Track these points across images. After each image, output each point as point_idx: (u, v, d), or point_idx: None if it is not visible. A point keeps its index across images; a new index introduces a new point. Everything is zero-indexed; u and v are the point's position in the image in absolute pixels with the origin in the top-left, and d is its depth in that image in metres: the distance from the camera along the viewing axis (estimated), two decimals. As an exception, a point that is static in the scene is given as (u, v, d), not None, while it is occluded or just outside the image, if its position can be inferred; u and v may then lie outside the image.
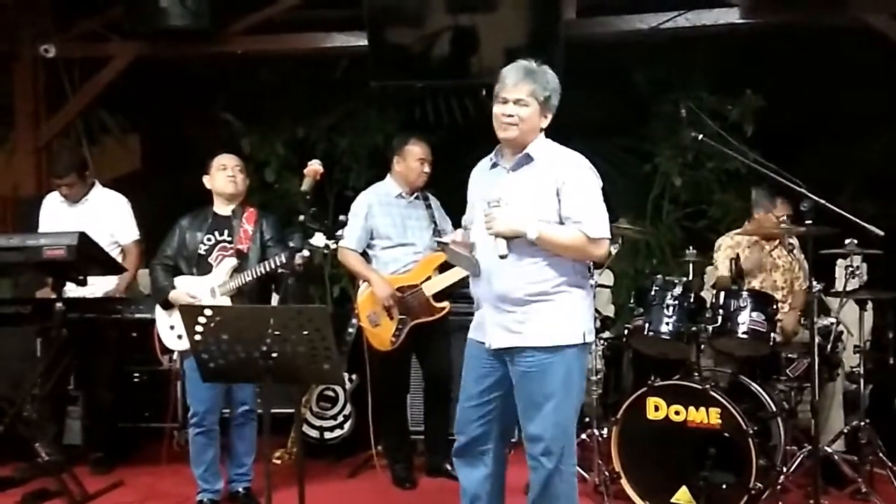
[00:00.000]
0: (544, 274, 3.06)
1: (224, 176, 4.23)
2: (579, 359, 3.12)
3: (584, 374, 3.19)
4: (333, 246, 3.40)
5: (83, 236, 4.19)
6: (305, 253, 3.45)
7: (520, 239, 3.01)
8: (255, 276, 4.06)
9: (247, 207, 4.31)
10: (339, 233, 3.42)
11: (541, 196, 3.04)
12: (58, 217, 5.01)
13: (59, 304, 4.28)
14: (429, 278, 4.47)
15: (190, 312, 3.08)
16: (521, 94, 3.03)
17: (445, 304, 4.49)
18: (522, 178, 3.09)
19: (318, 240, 3.33)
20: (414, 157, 4.59)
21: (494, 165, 3.22)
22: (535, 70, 3.07)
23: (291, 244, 3.44)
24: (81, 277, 4.42)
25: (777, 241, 4.78)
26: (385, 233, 4.54)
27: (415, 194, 4.65)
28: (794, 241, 4.73)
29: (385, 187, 4.67)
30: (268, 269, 4.02)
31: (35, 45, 5.87)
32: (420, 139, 4.70)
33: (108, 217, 4.96)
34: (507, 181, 3.12)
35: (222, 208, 4.28)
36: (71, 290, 4.45)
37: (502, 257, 2.98)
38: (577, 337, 3.09)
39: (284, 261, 3.79)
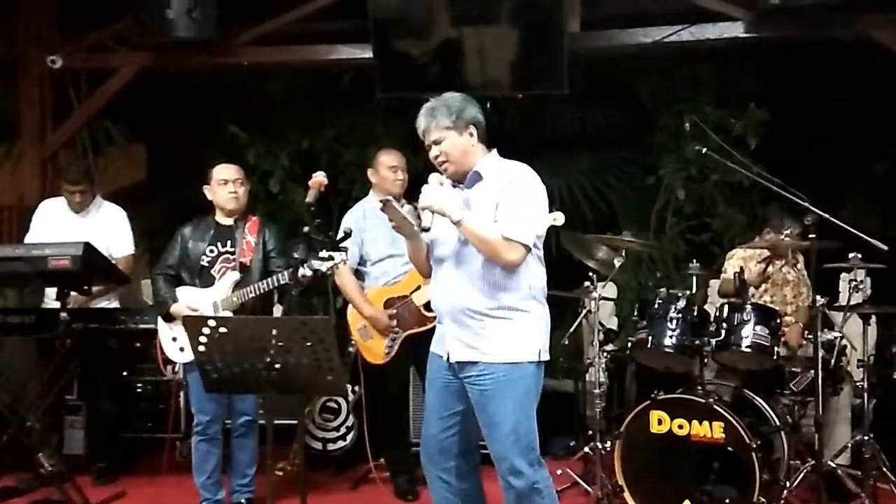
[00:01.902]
0: (504, 289, 3.07)
1: (225, 192, 4.23)
2: (536, 376, 3.13)
3: (539, 391, 3.16)
4: (339, 258, 3.40)
5: (88, 246, 4.19)
6: (308, 273, 3.45)
7: (482, 257, 3.03)
8: (258, 293, 4.06)
9: (249, 217, 4.31)
10: (345, 244, 3.42)
11: (489, 210, 3.08)
12: (61, 225, 4.99)
13: (63, 315, 4.28)
14: (418, 288, 4.45)
15: (193, 323, 3.08)
16: (434, 134, 3.15)
17: None
18: (476, 195, 3.15)
19: (324, 256, 3.35)
20: (385, 167, 4.59)
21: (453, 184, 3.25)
22: (434, 105, 3.17)
23: (296, 255, 3.44)
24: (86, 287, 4.43)
25: (789, 257, 4.78)
26: (374, 247, 4.54)
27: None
28: (800, 256, 4.72)
29: (369, 202, 4.64)
30: (271, 285, 4.03)
31: (42, 56, 5.89)
32: (390, 148, 4.71)
33: (107, 229, 4.96)
34: (463, 198, 3.16)
35: (224, 218, 4.28)
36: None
37: (425, 230, 3.07)
38: (535, 354, 3.10)
39: (288, 278, 3.78)
